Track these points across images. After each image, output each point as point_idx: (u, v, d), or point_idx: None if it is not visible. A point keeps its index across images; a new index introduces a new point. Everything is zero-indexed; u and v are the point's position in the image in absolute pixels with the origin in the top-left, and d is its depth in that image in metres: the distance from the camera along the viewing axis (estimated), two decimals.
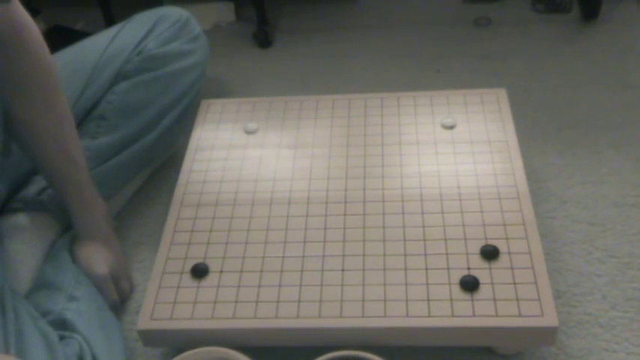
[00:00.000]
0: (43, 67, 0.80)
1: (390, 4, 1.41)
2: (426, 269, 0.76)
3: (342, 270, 0.77)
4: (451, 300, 0.73)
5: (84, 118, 0.95)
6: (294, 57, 1.31)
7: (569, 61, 1.20)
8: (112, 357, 0.77)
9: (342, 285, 0.76)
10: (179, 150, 1.04)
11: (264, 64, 1.30)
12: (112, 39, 0.99)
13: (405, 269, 0.76)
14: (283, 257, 0.79)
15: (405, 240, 0.79)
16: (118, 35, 1.00)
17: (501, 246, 0.77)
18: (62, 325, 0.77)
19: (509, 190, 0.83)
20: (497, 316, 0.71)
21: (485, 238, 0.78)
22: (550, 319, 0.70)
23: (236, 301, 0.76)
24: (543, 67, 1.20)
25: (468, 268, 0.75)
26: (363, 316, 0.73)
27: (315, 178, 0.88)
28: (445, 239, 0.78)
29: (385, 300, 0.73)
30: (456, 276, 0.75)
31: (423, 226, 0.80)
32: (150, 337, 0.77)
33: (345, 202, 0.84)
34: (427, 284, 0.74)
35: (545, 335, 0.72)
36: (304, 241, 0.80)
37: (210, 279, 0.78)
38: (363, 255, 0.78)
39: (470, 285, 0.73)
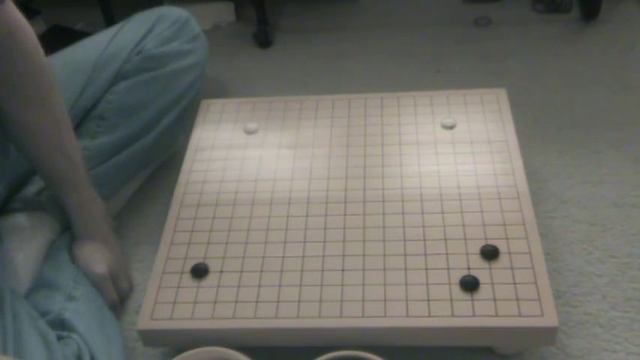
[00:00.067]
0: (37, 67, 0.80)
1: (390, 4, 1.41)
2: (426, 269, 0.76)
3: (342, 270, 0.77)
4: (451, 300, 0.73)
5: (83, 117, 0.95)
6: (294, 57, 1.31)
7: (569, 61, 1.20)
8: (111, 357, 0.77)
9: (342, 285, 0.76)
10: (179, 150, 1.04)
11: (264, 64, 1.30)
12: (111, 39, 0.99)
13: (405, 269, 0.76)
14: (283, 257, 0.79)
15: (405, 240, 0.79)
16: (118, 35, 1.00)
17: (501, 246, 0.77)
18: (61, 324, 0.77)
19: (509, 190, 0.83)
20: (497, 316, 0.71)
21: (485, 238, 0.78)
22: (550, 319, 0.70)
23: (236, 301, 0.76)
24: (543, 67, 1.20)
25: (468, 268, 0.75)
26: (363, 316, 0.73)
27: (315, 178, 0.88)
28: (445, 239, 0.78)
29: (385, 300, 0.73)
30: (456, 276, 0.75)
31: (423, 226, 0.80)
32: (150, 337, 0.77)
33: (345, 202, 0.84)
34: (427, 284, 0.74)
35: (545, 335, 0.72)
36: (304, 241, 0.80)
37: (210, 279, 0.78)
38: (363, 255, 0.78)
39: (470, 285, 0.73)
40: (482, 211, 0.81)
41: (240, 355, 0.68)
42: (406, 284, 0.75)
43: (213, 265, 0.80)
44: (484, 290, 0.73)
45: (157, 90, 0.99)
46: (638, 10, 1.29)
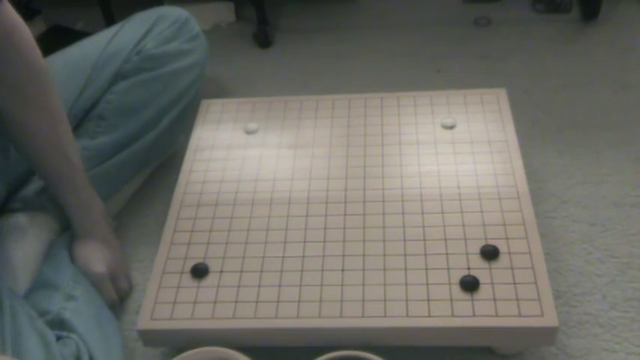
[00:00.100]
0: (34, 68, 0.80)
1: (390, 4, 1.41)
2: (426, 269, 0.76)
3: (342, 270, 0.77)
4: (451, 300, 0.73)
5: (83, 117, 0.95)
6: (294, 57, 1.31)
7: (569, 61, 1.20)
8: (110, 357, 0.77)
9: (342, 285, 0.76)
10: (179, 150, 1.04)
11: (264, 64, 1.30)
12: (111, 38, 0.99)
13: (405, 269, 0.76)
14: (283, 257, 0.79)
15: (405, 240, 0.79)
16: (117, 35, 1.00)
17: (501, 246, 0.77)
18: (60, 324, 0.77)
19: (509, 190, 0.83)
20: (497, 316, 0.71)
21: (485, 238, 0.78)
22: (550, 319, 0.70)
23: (236, 301, 0.76)
24: (543, 67, 1.20)
25: (468, 268, 0.75)
26: (363, 316, 0.73)
27: (315, 178, 0.88)
28: (445, 239, 0.78)
29: (385, 300, 0.73)
30: (456, 276, 0.75)
31: (423, 226, 0.80)
32: (150, 337, 0.77)
33: (345, 202, 0.84)
34: (427, 284, 0.74)
35: (545, 335, 0.72)
36: (304, 241, 0.80)
37: (210, 279, 0.78)
38: (363, 255, 0.78)
39: (470, 285, 0.73)
40: (482, 211, 0.81)
41: (240, 355, 0.68)
42: (406, 284, 0.75)
43: (213, 265, 0.80)
44: (484, 290, 0.73)
45: (157, 90, 0.99)
46: (638, 10, 1.29)
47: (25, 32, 0.79)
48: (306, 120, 0.97)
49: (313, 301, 0.74)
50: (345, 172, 0.88)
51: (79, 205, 0.87)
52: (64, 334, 0.76)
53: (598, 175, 0.98)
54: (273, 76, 1.27)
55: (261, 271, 0.78)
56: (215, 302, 0.76)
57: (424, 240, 0.79)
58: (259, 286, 0.77)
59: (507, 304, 0.72)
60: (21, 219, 0.88)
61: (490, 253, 0.76)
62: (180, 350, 0.71)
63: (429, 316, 0.72)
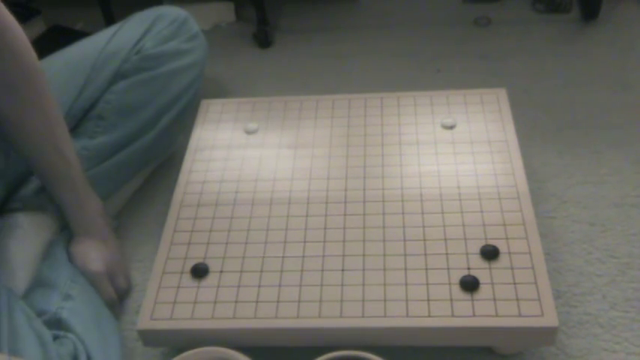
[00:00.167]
0: (28, 68, 0.81)
1: (390, 4, 1.41)
2: (426, 269, 0.76)
3: (342, 270, 0.77)
4: (451, 300, 0.73)
5: (82, 117, 0.95)
6: (294, 57, 1.31)
7: (569, 61, 1.20)
8: (108, 356, 0.77)
9: (342, 285, 0.76)
10: (179, 150, 1.04)
11: (264, 64, 1.30)
12: (110, 38, 0.99)
13: (405, 269, 0.76)
14: (283, 257, 0.79)
15: (405, 240, 0.79)
16: (116, 35, 1.00)
17: (501, 246, 0.77)
18: (57, 324, 0.77)
19: (509, 190, 0.83)
20: (497, 316, 0.71)
21: (486, 238, 0.78)
22: (550, 319, 0.70)
23: (236, 301, 0.76)
24: (543, 67, 1.20)
25: (468, 268, 0.75)
26: (363, 316, 0.73)
27: (315, 178, 0.88)
28: (445, 239, 0.78)
29: (385, 300, 0.73)
30: (456, 276, 0.75)
31: (423, 226, 0.80)
32: (150, 337, 0.77)
33: (345, 202, 0.84)
34: (427, 284, 0.74)
35: (545, 335, 0.72)
36: (304, 241, 0.80)
37: (210, 279, 0.78)
38: (363, 255, 0.78)
39: (470, 285, 0.73)
40: (482, 211, 0.81)
41: (240, 355, 0.68)
42: (406, 284, 0.75)
43: (213, 265, 0.80)
44: (484, 290, 0.73)
45: (156, 89, 0.99)
46: (638, 10, 1.29)
47: (18, 32, 0.79)
48: (306, 120, 0.97)
49: (313, 301, 0.74)
50: (345, 172, 0.88)
51: (76, 203, 0.87)
52: (62, 333, 0.76)
53: (598, 175, 0.98)
54: (273, 76, 1.27)
55: (261, 271, 0.78)
56: (215, 302, 0.76)
57: (424, 240, 0.79)
58: (259, 286, 0.77)
59: (507, 304, 0.72)
60: (20, 219, 0.88)
61: (490, 253, 0.76)
62: (180, 350, 0.71)
63: (429, 316, 0.72)
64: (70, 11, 1.46)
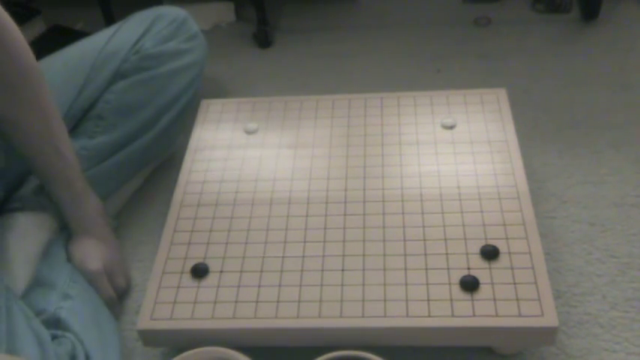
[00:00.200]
0: (25, 66, 0.81)
1: (390, 4, 1.41)
2: (426, 269, 0.76)
3: (342, 270, 0.77)
4: (451, 300, 0.73)
5: (82, 117, 0.95)
6: (294, 57, 1.31)
7: (569, 61, 1.20)
8: (106, 356, 0.77)
9: (342, 285, 0.76)
10: (179, 150, 1.04)
11: (264, 64, 1.30)
12: (109, 38, 0.99)
13: (405, 269, 0.76)
14: (283, 257, 0.79)
15: (405, 240, 0.79)
16: (116, 34, 1.00)
17: (501, 246, 0.77)
18: (56, 323, 0.77)
19: (509, 190, 0.83)
20: (497, 316, 0.71)
21: (486, 238, 0.78)
22: (550, 319, 0.70)
23: (236, 301, 0.76)
24: (543, 67, 1.20)
25: (468, 268, 0.75)
26: (363, 316, 0.73)
27: (315, 178, 0.88)
28: (445, 239, 0.78)
29: (385, 300, 0.73)
30: (456, 276, 0.75)
31: (423, 226, 0.80)
32: (150, 337, 0.77)
33: (345, 202, 0.84)
34: (427, 284, 0.74)
35: (545, 335, 0.72)
36: (304, 241, 0.80)
37: (210, 279, 0.78)
38: (363, 255, 0.78)
39: (470, 285, 0.73)
40: (482, 211, 0.81)
41: (240, 355, 0.68)
42: (406, 284, 0.75)
43: (213, 265, 0.80)
44: (484, 290, 0.73)
45: (155, 89, 0.99)
46: (638, 10, 1.29)
47: (15, 31, 0.80)
48: (306, 120, 0.97)
49: (313, 301, 0.74)
50: (345, 172, 0.88)
51: (75, 202, 0.87)
52: (60, 333, 0.76)
53: (598, 175, 0.98)
54: (273, 76, 1.27)
55: (261, 271, 0.78)
56: (215, 302, 0.76)
57: (424, 240, 0.79)
58: (259, 286, 0.77)
59: (507, 304, 0.72)
60: (20, 218, 0.88)
61: (490, 253, 0.76)
62: (181, 350, 0.71)
63: (429, 316, 0.72)
64: (70, 11, 1.46)
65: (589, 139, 1.04)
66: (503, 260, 0.76)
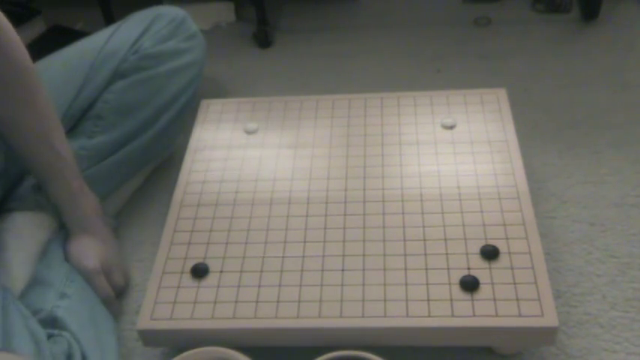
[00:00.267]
0: (20, 64, 0.81)
1: (390, 4, 1.41)
2: (426, 269, 0.76)
3: (342, 270, 0.77)
4: (451, 300, 0.73)
5: (81, 117, 0.95)
6: (294, 57, 1.31)
7: (569, 61, 1.20)
8: (103, 355, 0.77)
9: (342, 285, 0.76)
10: (179, 150, 1.04)
11: (264, 64, 1.30)
12: (108, 38, 0.99)
13: (405, 269, 0.76)
14: (283, 257, 0.79)
15: (405, 240, 0.79)
16: (115, 34, 1.00)
17: (501, 246, 0.77)
18: (53, 322, 0.77)
19: (509, 190, 0.83)
20: (497, 316, 0.71)
21: (486, 238, 0.78)
22: (550, 319, 0.70)
23: (236, 301, 0.76)
24: (543, 67, 1.20)
25: (468, 268, 0.75)
26: (363, 316, 0.73)
27: (315, 178, 0.88)
28: (445, 239, 0.78)
29: (385, 300, 0.73)
30: (456, 276, 0.75)
31: (423, 226, 0.80)
32: (150, 337, 0.77)
33: (345, 202, 0.84)
34: (427, 284, 0.74)
35: (545, 335, 0.72)
36: (304, 241, 0.80)
37: (210, 279, 0.78)
38: (363, 255, 0.78)
39: (470, 285, 0.73)
40: (482, 211, 0.81)
41: (240, 355, 0.68)
42: (406, 284, 0.75)
43: (213, 265, 0.80)
44: (484, 290, 0.73)
45: (154, 89, 0.99)
46: (638, 10, 1.29)
47: (9, 31, 0.80)
48: (306, 120, 0.97)
49: (313, 301, 0.74)
50: (345, 172, 0.88)
51: (70, 199, 0.87)
52: (56, 332, 0.76)
53: (598, 175, 0.98)
54: (273, 76, 1.27)
55: (261, 271, 0.78)
56: (215, 302, 0.76)
57: (424, 240, 0.78)
58: (259, 286, 0.77)
59: (507, 304, 0.72)
60: (18, 218, 0.88)
61: (490, 253, 0.76)
62: (181, 350, 0.71)
63: (429, 316, 0.72)
64: (70, 11, 1.46)
65: (589, 139, 1.04)
66: (503, 260, 0.76)
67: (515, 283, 0.73)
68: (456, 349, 0.79)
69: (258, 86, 1.24)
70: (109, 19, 1.34)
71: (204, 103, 1.02)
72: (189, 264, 0.80)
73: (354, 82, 1.22)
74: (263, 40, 1.33)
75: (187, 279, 0.79)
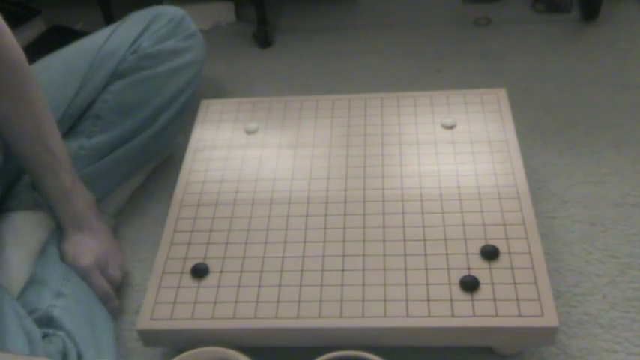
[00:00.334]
0: (13, 61, 0.82)
1: (390, 4, 1.41)
2: (426, 269, 0.76)
3: (342, 270, 0.77)
4: (451, 300, 0.73)
5: (80, 117, 0.95)
6: (294, 57, 1.31)
7: (569, 61, 1.20)
8: (100, 353, 0.77)
9: (342, 285, 0.76)
10: (179, 150, 1.04)
11: (264, 64, 1.30)
12: (107, 38, 0.99)
13: (405, 269, 0.76)
14: (283, 257, 0.79)
15: (405, 240, 0.79)
16: (114, 34, 1.00)
17: (501, 246, 0.77)
18: (49, 322, 0.77)
19: (509, 190, 0.83)
20: (497, 316, 0.71)
21: (485, 238, 0.78)
22: (550, 319, 0.70)
23: (236, 301, 0.76)
24: (543, 67, 1.20)
25: (468, 268, 0.75)
26: (363, 316, 0.73)
27: (315, 178, 0.88)
28: (445, 239, 0.78)
29: (385, 300, 0.73)
30: (456, 276, 0.75)
31: (423, 226, 0.80)
32: (150, 337, 0.77)
33: (345, 202, 0.84)
34: (427, 284, 0.74)
35: (545, 335, 0.72)
36: (304, 241, 0.80)
37: (210, 279, 0.78)
38: (363, 255, 0.78)
39: (470, 285, 0.73)
40: (482, 211, 0.81)
41: (240, 355, 0.68)
42: (406, 284, 0.75)
43: (213, 265, 0.80)
44: (484, 290, 0.73)
45: (153, 88, 0.99)
46: (638, 10, 1.29)
47: (3, 29, 0.81)
48: (306, 120, 0.97)
49: (313, 301, 0.74)
50: (345, 172, 0.88)
51: (63, 196, 0.86)
52: (51, 331, 0.76)
53: (598, 175, 0.98)
54: (273, 76, 1.27)
55: (261, 271, 0.78)
56: (215, 302, 0.76)
57: (424, 240, 0.79)
58: (259, 286, 0.77)
59: (507, 304, 0.72)
60: (16, 218, 0.88)
61: (490, 253, 0.76)
62: (180, 350, 0.71)
63: (429, 316, 0.72)
64: (70, 11, 1.46)
65: (589, 139, 1.04)
66: (503, 260, 0.76)
67: (515, 283, 0.73)
68: (456, 349, 0.79)
69: (258, 86, 1.24)
70: (109, 19, 1.34)
71: (204, 103, 1.02)
72: (189, 264, 0.80)
73: (354, 82, 1.22)
74: (263, 40, 1.33)
75: (187, 279, 0.79)
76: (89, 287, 0.85)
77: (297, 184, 0.88)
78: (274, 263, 0.79)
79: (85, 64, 0.96)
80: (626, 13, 1.29)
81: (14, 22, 0.81)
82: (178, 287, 0.78)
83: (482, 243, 0.77)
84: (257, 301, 0.75)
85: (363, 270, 0.77)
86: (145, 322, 0.76)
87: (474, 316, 0.71)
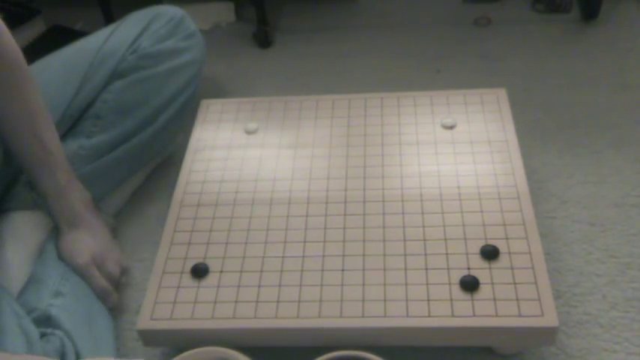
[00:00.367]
0: (9, 56, 0.82)
1: (390, 4, 1.41)
2: (426, 269, 0.76)
3: (342, 270, 0.77)
4: (451, 300, 0.73)
5: (80, 117, 0.95)
6: (294, 57, 1.31)
7: (569, 61, 1.20)
8: (98, 352, 0.77)
9: (342, 285, 0.76)
10: (179, 150, 1.04)
11: (264, 64, 1.30)
12: (107, 38, 1.00)
13: (405, 269, 0.76)
14: (283, 257, 0.79)
15: (405, 240, 0.79)
16: (113, 34, 1.00)
17: (501, 246, 0.77)
18: (47, 321, 0.77)
19: (509, 190, 0.83)
20: (497, 316, 0.71)
21: (485, 238, 0.78)
22: (550, 319, 0.70)
23: (236, 301, 0.76)
24: (543, 67, 1.20)
25: (468, 268, 0.75)
26: (363, 316, 0.73)
27: (315, 178, 0.88)
28: (445, 239, 0.78)
29: (385, 300, 0.73)
30: (456, 276, 0.75)
31: (423, 226, 0.80)
32: (150, 337, 0.77)
33: (345, 202, 0.84)
34: (427, 284, 0.74)
35: (545, 335, 0.72)
36: (304, 241, 0.80)
37: (210, 279, 0.78)
38: (363, 255, 0.78)
39: (470, 285, 0.73)
40: (482, 211, 0.81)
41: (240, 355, 0.68)
42: (406, 284, 0.75)
43: (213, 265, 0.80)
44: (484, 290, 0.73)
45: (153, 88, 0.99)
46: (638, 10, 1.29)
47: (0, 26, 0.81)
48: (306, 120, 0.97)
49: (313, 301, 0.74)
50: (345, 172, 0.88)
51: (57, 192, 0.86)
52: (49, 331, 0.76)
53: (598, 175, 0.98)
54: (273, 76, 1.27)
55: (261, 271, 0.78)
56: (215, 302, 0.76)
57: (424, 240, 0.78)
58: (259, 286, 0.77)
59: (507, 304, 0.72)
60: (15, 218, 0.88)
61: (490, 253, 0.76)
62: (180, 350, 0.71)
63: (429, 316, 0.72)
64: (70, 11, 1.46)
65: (589, 139, 1.04)
66: (503, 260, 0.76)
67: (515, 283, 0.73)
68: (456, 349, 0.79)
69: (258, 86, 1.24)
70: (109, 19, 1.34)
71: (204, 103, 1.02)
72: (189, 264, 0.80)
73: (354, 82, 1.22)
74: (263, 40, 1.33)
75: (187, 279, 0.79)
76: (88, 286, 0.85)
77: (297, 184, 0.88)
78: (274, 263, 0.79)
79: (85, 64, 0.96)
80: (626, 13, 1.29)
81: (14, 22, 0.82)
82: (178, 287, 0.78)
83: (482, 243, 0.77)
84: (257, 301, 0.75)
85: (363, 270, 0.77)
86: (145, 322, 0.76)
87: (474, 316, 0.71)
